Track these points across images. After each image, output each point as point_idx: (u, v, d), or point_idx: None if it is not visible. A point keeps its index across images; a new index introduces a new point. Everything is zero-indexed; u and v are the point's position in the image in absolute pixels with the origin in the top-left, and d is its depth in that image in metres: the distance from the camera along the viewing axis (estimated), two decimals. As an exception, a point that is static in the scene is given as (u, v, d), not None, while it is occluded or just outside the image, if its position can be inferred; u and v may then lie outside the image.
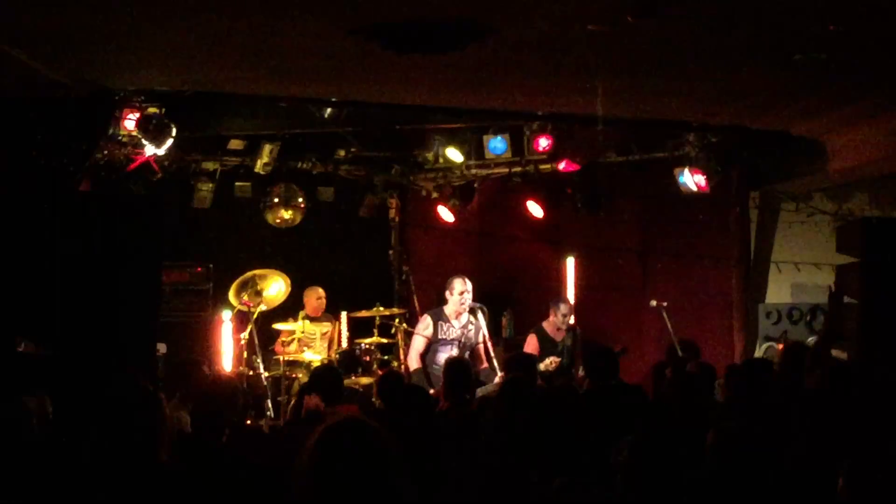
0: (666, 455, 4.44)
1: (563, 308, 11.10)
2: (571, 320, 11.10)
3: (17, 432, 5.01)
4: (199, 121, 10.32)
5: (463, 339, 10.36)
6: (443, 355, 10.19)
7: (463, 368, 8.03)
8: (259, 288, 11.30)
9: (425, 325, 10.42)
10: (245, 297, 11.19)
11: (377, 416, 7.19)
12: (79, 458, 4.85)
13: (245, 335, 11.11)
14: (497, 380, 9.86)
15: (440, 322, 10.39)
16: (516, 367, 7.84)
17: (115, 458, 4.61)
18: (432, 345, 10.34)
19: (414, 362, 10.32)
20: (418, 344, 10.39)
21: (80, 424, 5.54)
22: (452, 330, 10.37)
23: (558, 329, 11.08)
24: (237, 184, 11.87)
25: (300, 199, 12.25)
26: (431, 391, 8.71)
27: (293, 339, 11.81)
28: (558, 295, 11.95)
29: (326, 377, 7.57)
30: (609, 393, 7.39)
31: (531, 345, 11.06)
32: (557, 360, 10.56)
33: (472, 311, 10.36)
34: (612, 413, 6.36)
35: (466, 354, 10.29)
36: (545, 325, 11.17)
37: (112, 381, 5.97)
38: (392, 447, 3.25)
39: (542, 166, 11.93)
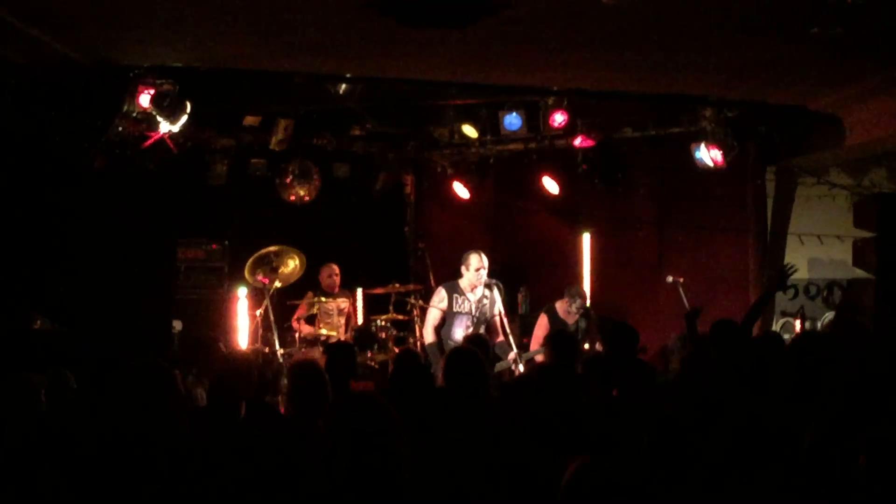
0: (680, 432, 4.42)
1: (578, 301, 11.00)
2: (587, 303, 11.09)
3: (24, 408, 5.03)
4: (213, 97, 10.30)
5: (477, 313, 10.29)
6: (458, 329, 10.18)
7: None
8: (274, 265, 11.28)
9: (440, 298, 10.37)
10: (260, 274, 11.18)
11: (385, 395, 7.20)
12: (93, 434, 4.87)
13: (260, 312, 11.12)
14: (512, 356, 9.86)
15: (455, 294, 10.33)
16: (559, 346, 7.74)
17: (128, 433, 4.62)
18: (447, 318, 10.32)
19: (429, 336, 10.29)
20: (434, 316, 10.35)
21: (96, 400, 5.57)
22: (467, 303, 10.31)
23: (569, 313, 11.07)
24: (252, 161, 11.87)
25: (315, 176, 12.24)
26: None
27: (310, 315, 11.84)
28: (574, 284, 11.86)
29: (340, 354, 7.53)
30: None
31: (542, 325, 11.04)
32: None
33: (488, 286, 10.30)
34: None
35: (482, 328, 10.26)
36: (557, 306, 11.13)
37: (126, 358, 5.99)
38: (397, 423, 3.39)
39: (558, 142, 11.89)
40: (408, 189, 13.69)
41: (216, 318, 11.68)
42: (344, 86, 10.50)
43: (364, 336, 11.50)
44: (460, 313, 10.28)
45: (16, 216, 9.38)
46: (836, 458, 4.28)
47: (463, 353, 6.39)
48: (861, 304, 10.69)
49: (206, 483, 4.65)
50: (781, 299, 11.86)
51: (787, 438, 4.45)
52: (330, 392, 5.91)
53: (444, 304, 10.30)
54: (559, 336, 8.19)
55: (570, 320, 11.05)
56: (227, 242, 12.16)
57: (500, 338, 10.24)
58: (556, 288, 11.46)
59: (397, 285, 11.88)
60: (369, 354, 11.16)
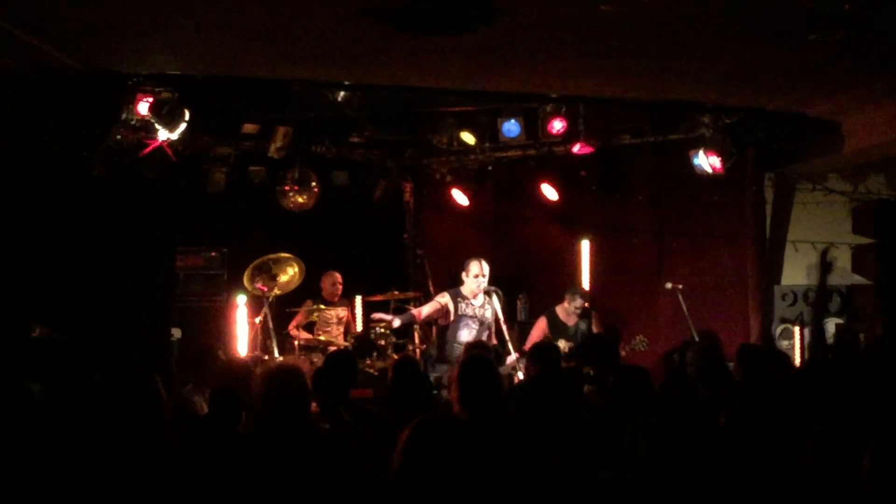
0: (679, 437, 4.40)
1: (577, 301, 11.11)
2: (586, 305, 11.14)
3: (21, 417, 5.03)
4: (212, 105, 10.29)
5: (480, 318, 10.39)
6: (464, 331, 10.28)
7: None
8: (273, 272, 11.27)
9: (442, 296, 10.57)
10: (259, 282, 11.17)
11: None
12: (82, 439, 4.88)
13: (260, 319, 11.11)
14: (510, 360, 9.86)
15: (458, 299, 10.45)
16: (541, 359, 7.74)
17: (110, 440, 4.63)
18: (454, 321, 10.36)
19: (415, 312, 10.74)
20: (430, 306, 10.64)
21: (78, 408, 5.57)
22: (471, 307, 10.41)
23: (569, 314, 11.09)
24: (251, 168, 11.86)
25: (314, 184, 12.23)
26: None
27: (308, 323, 11.84)
28: (576, 284, 11.91)
29: (342, 362, 7.48)
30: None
31: (539, 328, 11.11)
32: (570, 344, 10.57)
33: (487, 293, 10.35)
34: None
35: (485, 334, 10.31)
36: (558, 309, 11.19)
37: (103, 366, 5.99)
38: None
39: (557, 149, 11.88)
40: (407, 196, 13.66)
41: (215, 325, 11.67)
42: (342, 93, 10.49)
43: (363, 343, 11.49)
44: (465, 316, 10.40)
45: (14, 224, 9.36)
46: (840, 464, 4.27)
47: (478, 361, 6.34)
48: (861, 311, 10.71)
49: (206, 491, 4.65)
50: (780, 305, 11.86)
51: (790, 444, 4.44)
52: (311, 403, 5.79)
53: (445, 301, 10.41)
54: (540, 349, 8.19)
55: (570, 322, 11.09)
56: (225, 250, 12.15)
57: (496, 342, 10.28)
58: (555, 295, 11.49)
59: (396, 293, 11.88)
60: (368, 362, 11.14)
